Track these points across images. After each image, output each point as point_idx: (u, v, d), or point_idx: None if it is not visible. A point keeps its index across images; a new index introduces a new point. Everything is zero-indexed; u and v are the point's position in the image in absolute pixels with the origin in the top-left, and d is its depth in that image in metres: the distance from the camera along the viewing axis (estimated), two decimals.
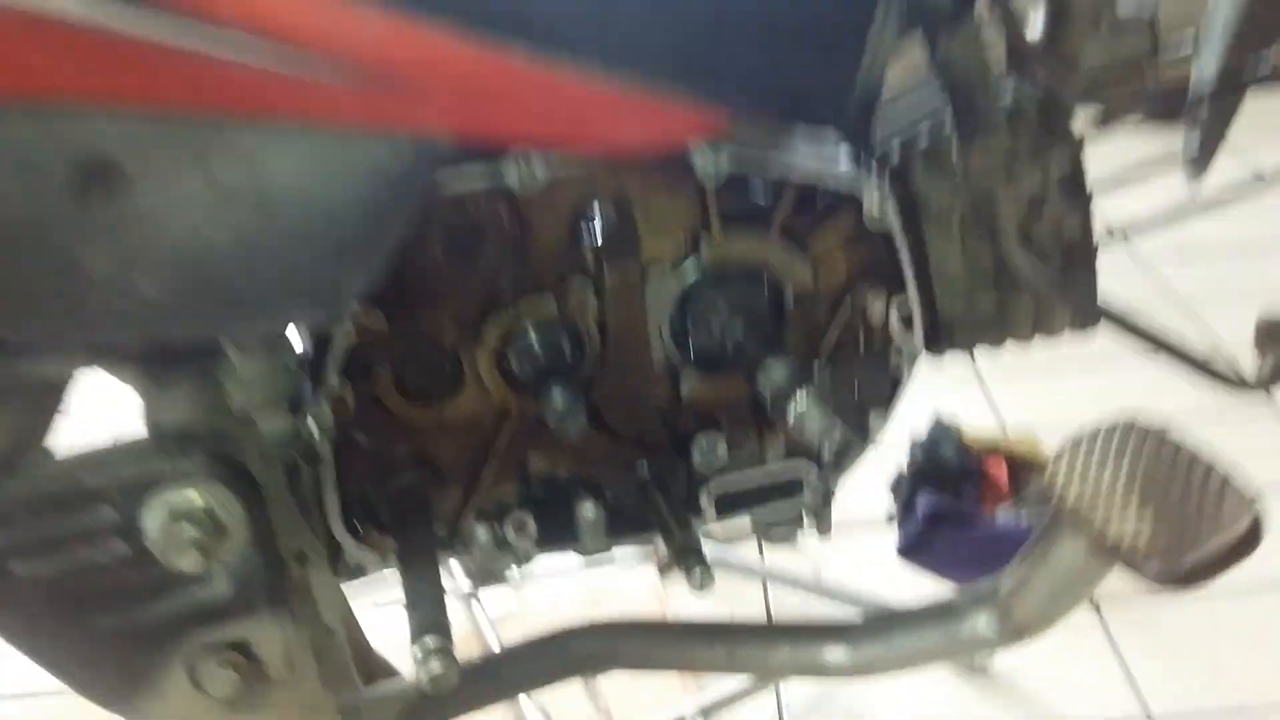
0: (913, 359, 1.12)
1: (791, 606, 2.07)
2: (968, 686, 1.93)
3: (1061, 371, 2.59)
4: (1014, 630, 0.98)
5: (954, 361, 1.08)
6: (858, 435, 1.13)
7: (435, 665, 0.89)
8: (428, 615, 0.92)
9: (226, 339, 0.82)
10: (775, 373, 1.04)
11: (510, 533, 1.11)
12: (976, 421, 2.69)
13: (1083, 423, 0.91)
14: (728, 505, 1.14)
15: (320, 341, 0.96)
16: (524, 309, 1.02)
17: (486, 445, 1.10)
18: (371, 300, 0.94)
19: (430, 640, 0.90)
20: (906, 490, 2.37)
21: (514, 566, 1.14)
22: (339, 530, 1.03)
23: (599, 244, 0.99)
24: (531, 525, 1.12)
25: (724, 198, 1.01)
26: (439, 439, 1.08)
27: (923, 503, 2.29)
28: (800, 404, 1.00)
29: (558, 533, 1.12)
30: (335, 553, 1.05)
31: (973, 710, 1.88)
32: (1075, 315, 1.03)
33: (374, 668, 1.14)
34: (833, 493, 1.16)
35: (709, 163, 0.93)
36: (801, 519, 1.20)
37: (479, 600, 2.34)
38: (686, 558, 1.02)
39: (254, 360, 0.88)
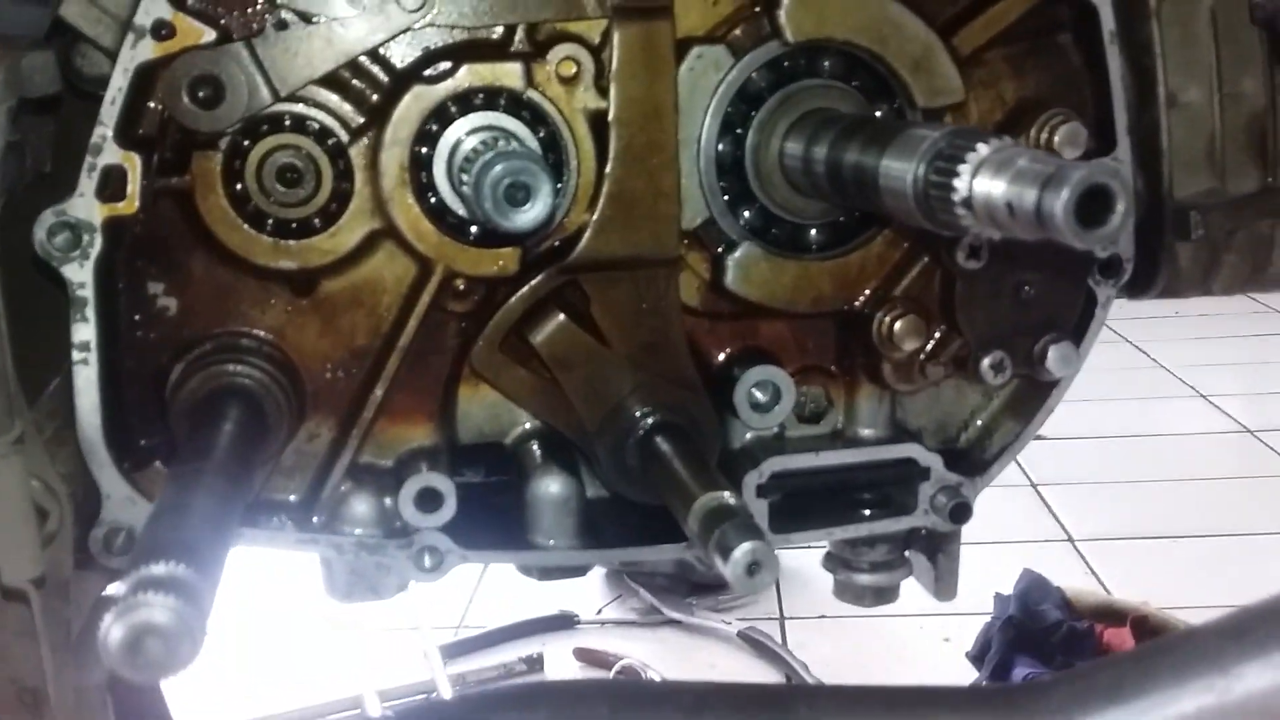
0: (1118, 268, 0.84)
1: None
2: None
3: (1165, 531, 2.49)
4: None
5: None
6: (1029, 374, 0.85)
7: (150, 612, 0.49)
8: (169, 535, 0.56)
9: None
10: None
11: (410, 509, 0.77)
12: (1071, 583, 2.31)
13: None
14: (789, 513, 0.83)
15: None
16: (468, 76, 0.75)
17: (386, 336, 0.78)
18: None
19: (158, 569, 0.51)
20: (997, 656, 2.04)
21: (406, 578, 0.80)
22: (95, 447, 0.73)
23: None
24: (450, 500, 0.77)
25: None
26: (298, 314, 0.78)
27: (1021, 673, 1.97)
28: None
29: (494, 521, 0.80)
30: (83, 490, 0.75)
31: None
32: None
33: None
34: (970, 506, 0.85)
35: None
36: (906, 560, 0.90)
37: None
38: (717, 526, 0.65)
39: None
